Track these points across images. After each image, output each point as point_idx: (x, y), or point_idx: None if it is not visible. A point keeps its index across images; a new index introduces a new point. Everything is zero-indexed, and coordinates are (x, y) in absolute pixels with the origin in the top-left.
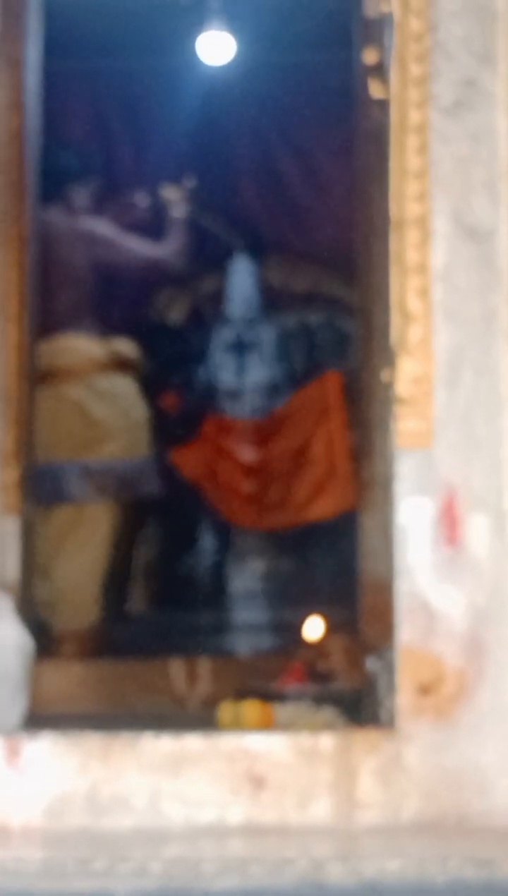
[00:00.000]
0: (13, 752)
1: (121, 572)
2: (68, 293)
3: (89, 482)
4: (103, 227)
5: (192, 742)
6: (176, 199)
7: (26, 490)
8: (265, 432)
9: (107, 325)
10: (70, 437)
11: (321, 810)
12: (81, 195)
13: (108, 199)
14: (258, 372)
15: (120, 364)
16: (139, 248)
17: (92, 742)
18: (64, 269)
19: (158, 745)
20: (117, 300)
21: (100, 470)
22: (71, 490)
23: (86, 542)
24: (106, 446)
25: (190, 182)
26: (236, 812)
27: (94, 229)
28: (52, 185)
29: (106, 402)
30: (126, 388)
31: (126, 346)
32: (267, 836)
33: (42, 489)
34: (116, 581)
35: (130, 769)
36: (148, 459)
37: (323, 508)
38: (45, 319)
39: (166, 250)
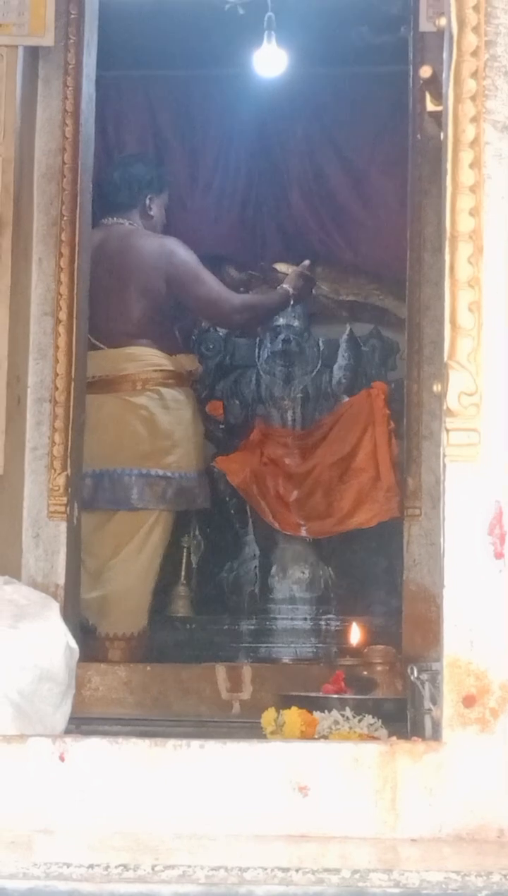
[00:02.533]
0: (59, 756)
1: (168, 578)
2: (136, 303)
3: (150, 490)
4: (185, 253)
5: (237, 749)
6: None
7: (74, 495)
8: (311, 441)
9: (158, 332)
10: (136, 445)
11: (363, 820)
12: (156, 205)
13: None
14: (304, 381)
15: (183, 377)
16: (217, 284)
17: (138, 747)
18: (132, 279)
19: (204, 752)
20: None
21: (162, 479)
22: (132, 497)
23: (141, 548)
24: (169, 456)
25: (306, 266)
26: (279, 820)
27: (176, 251)
28: (128, 195)
29: (172, 414)
30: (189, 401)
31: (190, 360)
32: (309, 844)
33: (104, 494)
34: (162, 586)
35: (176, 775)
36: (203, 472)
37: (367, 517)
38: (113, 326)
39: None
